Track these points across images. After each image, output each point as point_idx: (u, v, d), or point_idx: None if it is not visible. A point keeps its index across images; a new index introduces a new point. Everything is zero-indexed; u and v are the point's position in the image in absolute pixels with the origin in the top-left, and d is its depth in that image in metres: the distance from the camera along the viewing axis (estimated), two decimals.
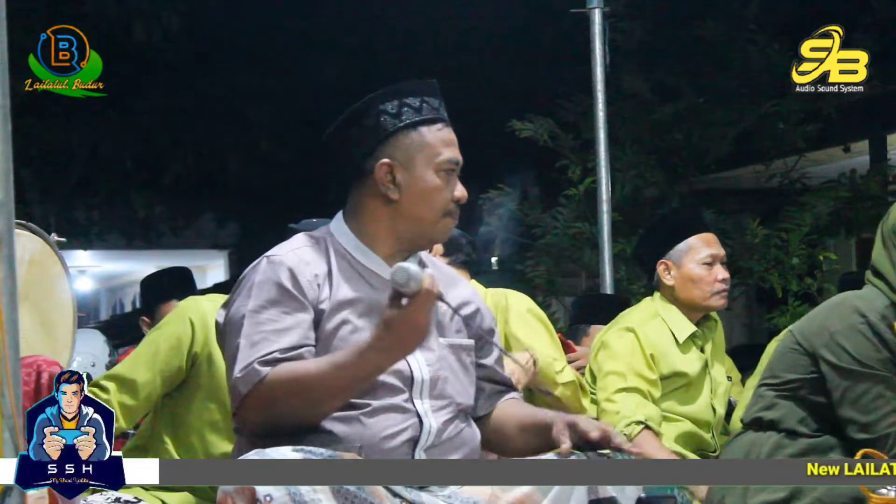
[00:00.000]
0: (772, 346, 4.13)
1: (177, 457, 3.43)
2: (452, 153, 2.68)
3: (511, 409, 2.79)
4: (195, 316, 3.48)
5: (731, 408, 4.23)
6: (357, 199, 2.73)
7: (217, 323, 2.69)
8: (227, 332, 2.61)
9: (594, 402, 3.93)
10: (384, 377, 2.57)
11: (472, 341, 2.77)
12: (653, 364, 3.86)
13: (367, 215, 2.70)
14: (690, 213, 4.55)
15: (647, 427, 3.74)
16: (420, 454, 2.59)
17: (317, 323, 2.60)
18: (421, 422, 2.59)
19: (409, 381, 2.62)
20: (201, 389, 3.47)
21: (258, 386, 2.50)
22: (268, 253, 2.67)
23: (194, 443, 3.46)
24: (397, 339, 2.44)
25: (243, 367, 2.52)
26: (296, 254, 2.65)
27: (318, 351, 2.58)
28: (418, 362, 2.64)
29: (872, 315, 3.05)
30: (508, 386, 2.85)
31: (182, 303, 3.66)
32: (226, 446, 3.38)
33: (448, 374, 2.68)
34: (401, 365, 2.60)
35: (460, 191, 2.69)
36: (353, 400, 2.55)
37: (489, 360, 2.82)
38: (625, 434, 3.69)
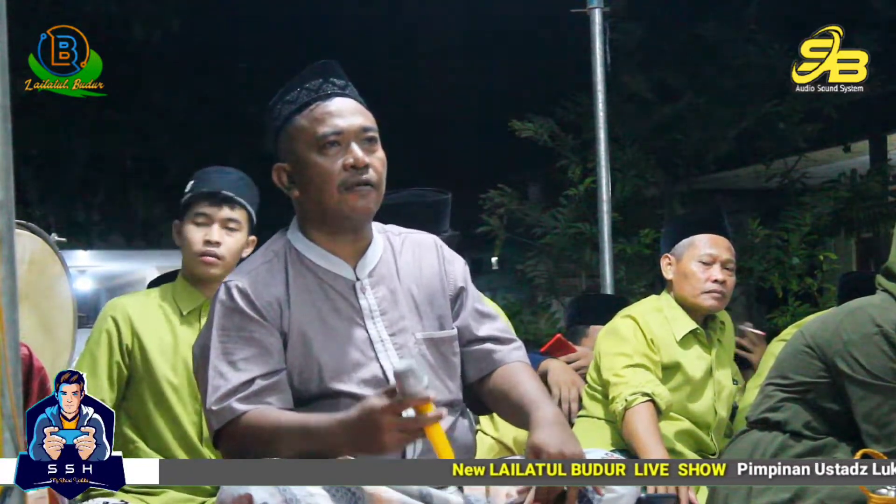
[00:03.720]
0: (772, 346, 4.12)
1: (151, 453, 3.42)
2: (327, 127, 2.59)
3: (504, 388, 2.69)
4: (115, 313, 3.54)
5: (734, 411, 4.21)
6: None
7: (193, 354, 2.68)
8: (200, 363, 2.61)
9: (597, 401, 3.92)
10: (362, 390, 2.54)
11: (452, 331, 2.71)
12: (654, 347, 3.86)
13: (298, 215, 2.71)
14: (711, 213, 4.51)
15: (651, 402, 3.68)
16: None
17: (283, 345, 2.58)
18: None
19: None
20: (144, 381, 3.48)
21: (230, 424, 2.50)
22: (227, 277, 2.66)
23: (159, 431, 3.45)
24: (355, 433, 2.35)
25: (218, 399, 2.51)
26: (251, 276, 2.62)
27: (287, 373, 2.56)
28: (395, 368, 2.61)
29: (888, 325, 2.99)
30: (485, 339, 2.75)
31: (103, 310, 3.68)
32: (188, 426, 3.42)
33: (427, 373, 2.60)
34: (377, 373, 2.58)
35: (353, 157, 2.58)
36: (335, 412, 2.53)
37: (462, 320, 2.74)
38: (626, 400, 3.69)
